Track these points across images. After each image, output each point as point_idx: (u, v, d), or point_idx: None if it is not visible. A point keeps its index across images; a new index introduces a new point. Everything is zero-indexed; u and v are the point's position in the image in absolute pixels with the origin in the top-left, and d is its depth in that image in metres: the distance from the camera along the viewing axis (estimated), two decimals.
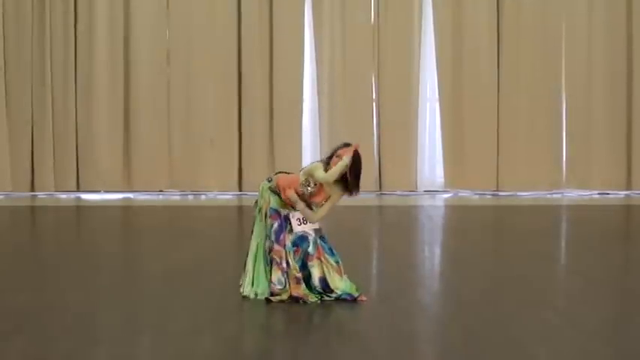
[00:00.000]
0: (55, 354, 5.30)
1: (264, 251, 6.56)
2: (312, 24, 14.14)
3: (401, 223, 11.54)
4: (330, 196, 6.53)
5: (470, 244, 9.52)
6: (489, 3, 14.06)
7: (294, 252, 6.50)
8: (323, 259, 6.53)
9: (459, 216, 12.57)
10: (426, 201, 13.66)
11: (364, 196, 13.50)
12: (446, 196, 14.03)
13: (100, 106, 14.08)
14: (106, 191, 14.08)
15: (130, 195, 14.02)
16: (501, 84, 14.14)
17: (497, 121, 14.16)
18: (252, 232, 6.70)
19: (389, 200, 13.66)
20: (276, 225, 6.53)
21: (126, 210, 13.23)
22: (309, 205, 6.53)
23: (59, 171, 14.05)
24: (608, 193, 14.09)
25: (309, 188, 6.49)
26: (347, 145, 6.54)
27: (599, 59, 14.09)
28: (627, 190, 14.13)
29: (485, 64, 14.11)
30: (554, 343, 5.48)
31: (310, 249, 6.52)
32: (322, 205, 6.53)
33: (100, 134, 14.09)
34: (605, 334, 5.82)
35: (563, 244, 10.22)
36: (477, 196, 14.02)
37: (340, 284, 6.50)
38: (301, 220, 6.55)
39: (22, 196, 13.89)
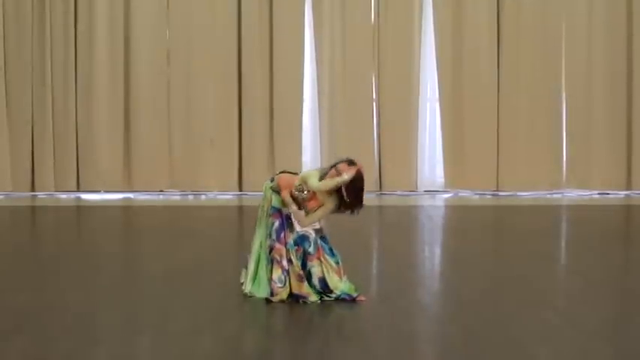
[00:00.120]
0: (55, 354, 5.30)
1: (266, 250, 6.57)
2: (312, 24, 14.14)
3: (401, 223, 11.54)
4: (323, 204, 6.53)
5: (470, 244, 9.53)
6: (489, 3, 14.06)
7: (296, 250, 6.52)
8: (323, 259, 6.54)
9: (459, 216, 12.57)
10: (426, 201, 13.66)
11: (364, 196, 13.54)
12: (446, 196, 14.03)
13: (100, 106, 14.08)
14: (106, 191, 14.08)
15: (130, 195, 14.02)
16: (501, 84, 14.14)
17: (498, 121, 14.16)
18: (255, 230, 6.72)
19: (389, 200, 13.66)
20: (277, 223, 6.55)
21: (126, 210, 13.23)
22: (302, 209, 6.54)
23: (59, 171, 14.05)
24: (608, 193, 14.09)
25: (302, 193, 6.51)
26: (351, 162, 6.52)
27: (599, 59, 14.08)
28: (627, 190, 14.13)
29: (486, 64, 14.11)
30: (554, 343, 5.48)
31: (310, 249, 6.52)
32: (315, 211, 6.54)
33: (100, 134, 14.09)
34: (605, 334, 5.82)
35: (563, 244, 10.22)
36: (477, 196, 14.02)
37: (339, 285, 6.51)
38: None
39: (22, 196, 13.88)
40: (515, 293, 6.94)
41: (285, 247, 6.51)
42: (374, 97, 14.21)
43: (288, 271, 6.49)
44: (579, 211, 12.96)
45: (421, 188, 14.23)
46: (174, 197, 13.97)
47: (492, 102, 14.13)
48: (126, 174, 14.16)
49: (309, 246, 6.53)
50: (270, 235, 6.55)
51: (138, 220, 12.37)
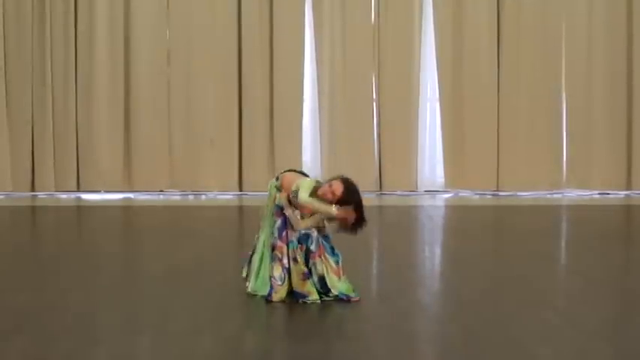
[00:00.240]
0: (55, 354, 5.30)
1: (269, 248, 6.58)
2: (312, 24, 14.14)
3: (401, 223, 11.54)
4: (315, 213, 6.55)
5: (470, 244, 9.52)
6: (489, 3, 14.06)
7: (299, 249, 6.52)
8: (323, 257, 6.54)
9: (459, 216, 12.57)
10: (426, 201, 13.66)
11: (364, 196, 13.54)
12: (446, 196, 14.03)
13: (101, 106, 14.09)
14: (107, 191, 14.08)
15: (131, 195, 14.02)
16: (501, 84, 14.14)
17: (498, 121, 14.16)
18: (260, 228, 6.73)
19: (389, 200, 13.66)
20: (279, 222, 6.55)
21: (126, 210, 13.23)
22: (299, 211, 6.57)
23: (59, 171, 14.05)
24: (608, 193, 14.09)
25: (297, 199, 6.51)
26: (347, 185, 6.50)
27: (600, 59, 14.09)
28: (627, 190, 14.13)
29: (486, 64, 14.11)
30: (554, 343, 5.48)
31: (312, 247, 6.52)
32: (310, 216, 6.55)
33: (101, 134, 14.09)
34: (605, 334, 5.82)
35: (563, 244, 10.22)
36: (477, 196, 14.02)
37: (337, 284, 6.51)
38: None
39: (22, 196, 13.89)
40: (515, 293, 6.94)
41: (288, 245, 6.52)
42: (374, 97, 14.21)
43: (288, 269, 6.50)
44: (579, 211, 12.96)
45: (421, 188, 14.24)
46: (175, 197, 13.97)
47: (492, 102, 14.13)
48: (126, 174, 14.16)
49: (311, 244, 6.53)
50: (273, 233, 6.56)
51: (138, 220, 12.37)
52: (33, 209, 13.31)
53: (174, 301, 6.59)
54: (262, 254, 6.66)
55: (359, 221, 6.55)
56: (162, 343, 5.55)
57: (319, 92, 14.19)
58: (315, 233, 6.55)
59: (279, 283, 6.49)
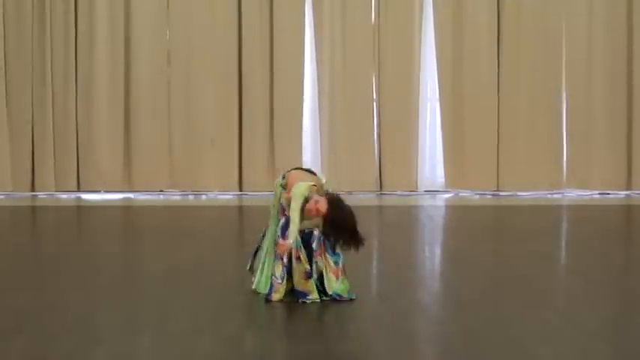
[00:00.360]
0: (55, 354, 5.30)
1: (274, 246, 6.58)
2: (312, 24, 14.14)
3: (401, 223, 11.54)
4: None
5: (470, 244, 9.52)
6: (489, 3, 14.06)
7: (304, 247, 6.51)
8: (324, 256, 6.53)
9: (459, 216, 12.57)
10: (426, 201, 13.66)
11: (364, 196, 13.57)
12: (446, 196, 14.03)
13: (101, 106, 14.08)
14: (107, 191, 14.08)
15: (131, 195, 14.02)
16: (501, 84, 14.14)
17: (498, 121, 14.16)
18: (268, 226, 6.73)
19: (389, 200, 13.66)
20: (283, 220, 6.54)
21: (126, 210, 13.23)
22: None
23: (59, 171, 14.05)
24: (608, 193, 14.08)
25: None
26: (332, 203, 6.41)
27: (600, 59, 14.08)
28: (627, 190, 14.12)
29: (486, 64, 14.11)
30: (554, 343, 5.48)
31: (314, 245, 6.52)
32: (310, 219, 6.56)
33: (101, 134, 14.09)
34: (605, 334, 5.82)
35: (563, 244, 10.22)
36: (478, 196, 14.02)
37: (334, 285, 6.50)
38: None
39: (22, 196, 13.89)
40: (515, 293, 6.94)
41: (288, 244, 6.50)
42: (374, 97, 14.21)
43: (289, 268, 6.48)
44: (579, 211, 12.96)
45: (421, 188, 14.23)
46: (175, 197, 13.97)
47: (492, 102, 14.13)
48: (126, 174, 14.15)
49: (313, 242, 6.52)
50: (277, 232, 6.55)
51: (138, 220, 12.38)
52: (33, 209, 13.31)
53: (174, 301, 6.59)
54: (267, 251, 6.65)
55: (351, 239, 6.42)
56: (163, 343, 5.55)
57: (319, 92, 14.18)
58: (317, 232, 6.54)
59: (279, 281, 6.49)
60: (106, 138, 14.09)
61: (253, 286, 6.66)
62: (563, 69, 14.16)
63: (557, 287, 7.44)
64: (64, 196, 13.95)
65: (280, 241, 6.51)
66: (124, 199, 13.81)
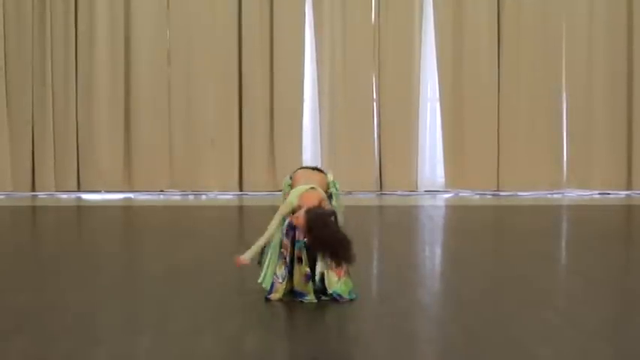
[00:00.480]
0: (55, 354, 5.30)
1: (279, 246, 6.57)
2: (312, 24, 14.14)
3: (401, 223, 11.54)
4: None
5: (470, 244, 9.52)
6: (489, 3, 14.05)
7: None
8: None
9: (459, 216, 12.57)
10: (426, 201, 13.66)
11: (365, 196, 13.57)
12: (446, 196, 14.03)
13: (101, 106, 14.09)
14: (107, 191, 14.08)
15: (131, 195, 14.03)
16: (502, 84, 14.14)
17: (498, 121, 14.16)
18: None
19: (389, 200, 13.66)
20: (288, 220, 6.53)
21: (126, 210, 13.23)
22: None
23: (60, 171, 14.05)
24: (608, 193, 14.08)
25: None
26: (309, 217, 6.26)
27: (600, 59, 14.08)
28: (628, 190, 14.12)
29: (486, 64, 14.11)
30: (554, 343, 5.48)
31: None
32: None
33: (101, 134, 14.09)
34: (606, 334, 5.82)
35: (563, 244, 10.22)
36: (478, 196, 14.02)
37: (334, 285, 6.49)
38: None
39: (22, 196, 13.89)
40: (515, 293, 6.94)
41: (294, 245, 6.49)
42: (374, 97, 14.21)
43: (291, 268, 6.47)
44: (580, 211, 12.96)
45: (421, 188, 14.23)
46: (175, 197, 13.98)
47: (493, 102, 14.13)
48: (126, 174, 14.16)
49: None
50: (282, 231, 6.54)
51: (138, 220, 12.38)
52: (33, 209, 13.31)
53: (174, 301, 6.59)
54: (274, 248, 6.64)
55: (336, 255, 6.28)
56: (162, 343, 5.55)
57: (319, 92, 14.19)
58: None
59: (280, 281, 6.49)
60: (106, 138, 14.09)
61: (259, 280, 6.62)
62: (564, 69, 14.16)
63: (558, 287, 7.44)
64: (64, 196, 13.95)
65: (284, 240, 6.50)
66: (124, 199, 13.81)
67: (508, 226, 11.57)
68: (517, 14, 14.07)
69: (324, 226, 6.25)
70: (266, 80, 14.12)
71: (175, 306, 6.42)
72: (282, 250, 6.53)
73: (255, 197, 13.65)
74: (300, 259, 6.48)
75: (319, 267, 6.50)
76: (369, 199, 13.49)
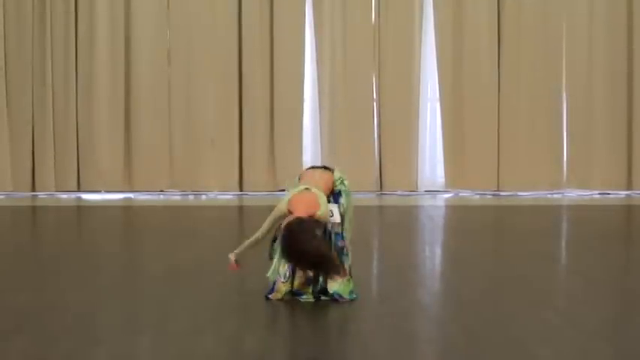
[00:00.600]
0: (55, 354, 5.30)
1: None
2: (312, 24, 14.14)
3: (401, 223, 11.54)
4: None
5: (470, 244, 9.52)
6: (490, 3, 14.05)
7: None
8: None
9: (459, 216, 12.57)
10: (426, 201, 13.66)
11: (364, 196, 13.56)
12: (446, 196, 14.03)
13: (101, 106, 14.09)
14: (107, 191, 14.08)
15: (131, 195, 14.02)
16: (502, 84, 14.14)
17: (498, 121, 14.15)
18: None
19: (389, 200, 13.66)
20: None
21: (126, 210, 13.24)
22: None
23: (60, 171, 14.05)
24: (608, 193, 14.08)
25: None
26: (287, 230, 6.19)
27: (600, 59, 14.08)
28: (628, 190, 14.12)
29: (486, 64, 14.11)
30: (554, 343, 5.48)
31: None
32: None
33: (101, 134, 14.09)
34: (606, 334, 5.82)
35: (563, 244, 10.21)
36: (478, 196, 14.02)
37: (335, 285, 6.48)
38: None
39: (22, 196, 13.89)
40: (515, 293, 6.93)
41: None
42: (374, 97, 14.21)
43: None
44: (580, 211, 12.96)
45: (422, 188, 14.23)
46: (175, 197, 13.98)
47: (493, 102, 14.13)
48: (126, 174, 14.15)
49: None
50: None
51: (138, 220, 12.38)
52: (33, 209, 13.31)
53: (174, 301, 6.58)
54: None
55: (315, 267, 6.25)
56: (162, 343, 5.55)
57: (319, 92, 14.18)
58: (328, 229, 6.48)
59: (282, 280, 6.48)
60: (107, 138, 14.09)
61: (268, 274, 6.59)
62: (564, 69, 14.15)
63: (558, 287, 7.44)
64: (64, 196, 13.95)
65: None
66: (124, 199, 13.81)
67: (508, 226, 11.57)
68: (517, 14, 14.07)
69: (298, 242, 6.10)
70: (266, 80, 14.12)
71: (175, 306, 6.42)
72: None
73: (255, 197, 13.64)
74: None
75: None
76: (369, 199, 13.48)
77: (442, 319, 6.21)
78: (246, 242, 6.52)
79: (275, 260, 6.59)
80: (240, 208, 13.33)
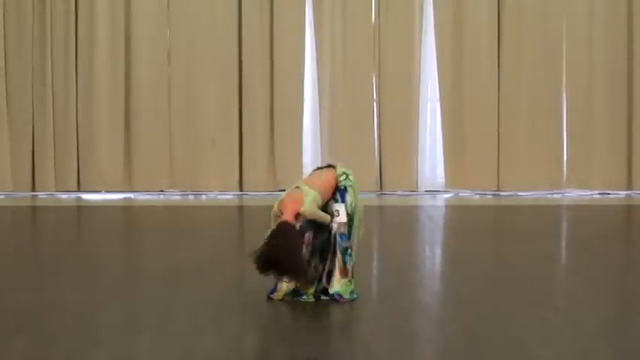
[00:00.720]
0: (55, 354, 5.30)
1: None
2: (312, 24, 14.14)
3: (402, 223, 11.54)
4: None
5: (470, 244, 9.52)
6: (490, 3, 14.05)
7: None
8: (336, 255, 6.50)
9: (459, 216, 12.57)
10: (426, 201, 13.66)
11: (364, 196, 13.54)
12: (447, 196, 14.03)
13: (101, 105, 14.09)
14: (107, 191, 14.08)
15: (131, 195, 14.02)
16: (502, 84, 14.14)
17: (498, 121, 14.16)
18: None
19: (389, 200, 13.66)
20: (300, 222, 6.51)
21: (126, 210, 13.24)
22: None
23: (60, 171, 14.05)
24: (608, 193, 14.08)
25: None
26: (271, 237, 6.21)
27: (600, 59, 14.08)
28: (628, 190, 14.12)
29: (486, 64, 14.11)
30: (554, 343, 5.48)
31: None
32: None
33: (101, 134, 14.09)
34: (605, 334, 5.82)
35: (563, 244, 10.22)
36: (478, 196, 14.02)
37: (336, 283, 6.48)
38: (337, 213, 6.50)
39: (22, 196, 13.89)
40: (515, 293, 6.93)
41: (306, 247, 6.46)
42: (374, 97, 14.21)
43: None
44: (580, 211, 12.96)
45: (422, 188, 14.23)
46: (175, 197, 13.98)
47: (493, 102, 14.13)
48: (126, 174, 14.16)
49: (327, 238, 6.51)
50: None
51: (138, 220, 12.38)
52: (33, 209, 13.31)
53: (174, 301, 6.59)
54: None
55: (288, 274, 6.26)
56: (163, 343, 5.55)
57: (319, 92, 14.19)
58: (333, 229, 6.48)
59: (286, 280, 6.48)
60: (107, 138, 14.09)
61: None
62: (564, 69, 14.16)
63: (558, 287, 7.44)
64: (64, 196, 13.95)
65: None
66: (125, 199, 13.81)
67: (508, 226, 11.57)
68: (517, 14, 14.07)
69: (272, 250, 6.08)
70: (266, 80, 14.12)
71: (175, 306, 6.42)
72: None
73: (255, 197, 13.64)
74: (309, 263, 6.47)
75: (327, 267, 6.49)
76: (369, 199, 13.47)
77: (442, 319, 6.21)
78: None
79: None
80: (240, 208, 13.33)
